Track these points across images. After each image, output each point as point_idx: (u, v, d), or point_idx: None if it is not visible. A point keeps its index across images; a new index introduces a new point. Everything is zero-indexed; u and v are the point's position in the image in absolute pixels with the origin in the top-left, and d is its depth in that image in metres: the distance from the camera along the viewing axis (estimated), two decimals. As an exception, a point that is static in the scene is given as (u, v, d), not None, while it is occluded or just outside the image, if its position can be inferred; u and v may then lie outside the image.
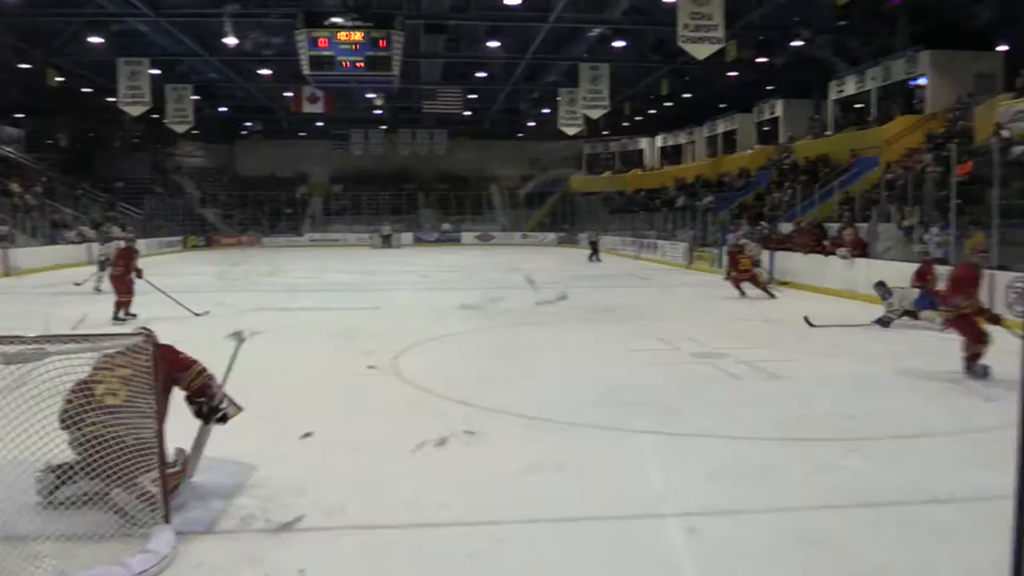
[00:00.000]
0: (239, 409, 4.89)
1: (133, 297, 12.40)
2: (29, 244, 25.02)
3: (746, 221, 23.29)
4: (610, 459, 5.41)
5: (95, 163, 42.60)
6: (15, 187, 30.23)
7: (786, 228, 21.14)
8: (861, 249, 15.76)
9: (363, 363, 8.79)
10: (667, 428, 6.12)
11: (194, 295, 13.97)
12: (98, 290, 16.19)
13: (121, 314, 12.20)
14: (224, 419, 4.80)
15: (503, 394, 7.30)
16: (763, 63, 27.29)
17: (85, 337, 4.07)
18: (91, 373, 4.29)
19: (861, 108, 27.30)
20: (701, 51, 20.05)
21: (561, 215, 43.68)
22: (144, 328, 4.58)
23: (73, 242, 26.94)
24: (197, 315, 12.24)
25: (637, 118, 41.56)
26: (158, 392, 4.19)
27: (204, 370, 4.74)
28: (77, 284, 16.86)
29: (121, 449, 4.03)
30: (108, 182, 40.71)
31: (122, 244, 13.39)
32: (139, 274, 12.54)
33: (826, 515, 4.42)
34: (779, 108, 32.37)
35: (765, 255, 18.11)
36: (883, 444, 5.77)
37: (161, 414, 4.22)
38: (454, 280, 20.79)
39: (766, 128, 33.52)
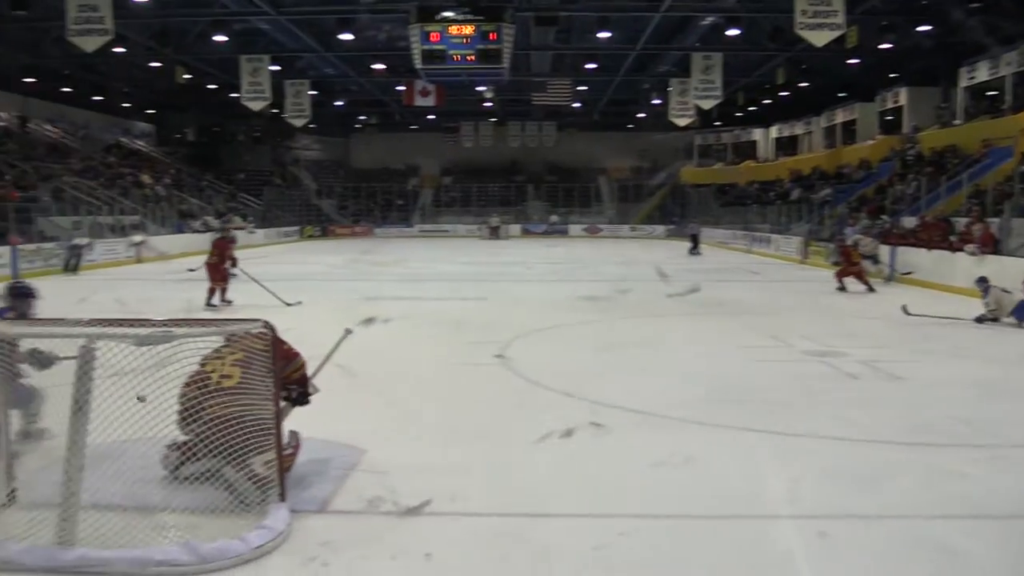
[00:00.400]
0: (316, 390, 5.04)
1: (227, 285, 13.01)
2: (159, 233, 26.40)
3: (866, 214, 22.34)
4: (721, 457, 5.30)
5: (219, 156, 44.66)
6: (146, 178, 32.04)
7: (909, 222, 20.16)
8: (992, 245, 14.88)
9: (470, 353, 8.92)
10: (780, 428, 5.95)
11: (320, 283, 14.43)
12: (233, 274, 17.30)
13: (214, 300, 12.85)
14: (306, 402, 4.94)
15: (611, 388, 7.25)
16: (887, 49, 26.01)
17: (210, 321, 4.27)
18: (201, 366, 4.49)
19: (994, 96, 25.72)
20: (820, 38, 19.30)
21: (671, 207, 43.02)
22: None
23: (198, 231, 28.30)
24: (288, 305, 12.57)
25: (751, 108, 40.38)
26: (276, 376, 4.36)
27: (305, 363, 4.91)
28: (191, 270, 17.77)
29: (240, 427, 4.21)
30: (231, 174, 42.61)
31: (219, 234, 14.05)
32: (234, 263, 13.17)
33: (946, 525, 4.22)
34: (903, 96, 30.83)
35: (885, 250, 17.36)
36: (1008, 453, 5.44)
37: (277, 397, 4.38)
38: (562, 272, 20.79)
39: (889, 117, 32.01)
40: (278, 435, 4.31)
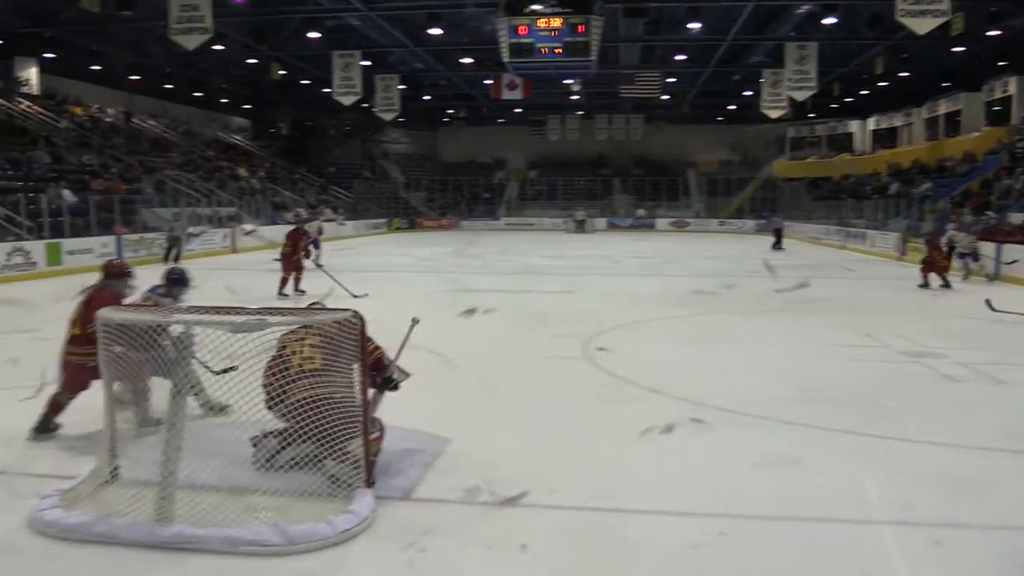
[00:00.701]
0: (407, 375, 5.05)
1: (300, 275, 13.52)
2: (253, 224, 27.24)
3: (969, 210, 21.38)
4: (820, 459, 5.14)
5: (311, 150, 45.80)
6: (242, 172, 33.10)
7: (1017, 218, 19.20)
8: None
9: (555, 346, 8.90)
10: (877, 431, 5.73)
11: (405, 275, 14.63)
12: (318, 265, 17.76)
13: (286, 290, 13.33)
14: (396, 387, 4.97)
15: (698, 384, 7.13)
16: (994, 36, 24.76)
17: (302, 310, 4.39)
18: (279, 352, 4.62)
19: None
20: (923, 25, 18.53)
21: (761, 202, 42.03)
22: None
23: (290, 223, 29.07)
24: (355, 297, 12.64)
25: (847, 99, 39.02)
26: (365, 364, 4.44)
27: (379, 347, 4.93)
28: (277, 260, 18.42)
29: (329, 409, 4.32)
30: (322, 167, 43.67)
31: (293, 226, 14.55)
32: (307, 254, 13.80)
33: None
34: (1012, 85, 29.34)
35: (989, 247, 16.56)
36: None
37: (366, 384, 4.45)
38: (649, 266, 20.57)
39: (996, 108, 30.52)
40: (366, 420, 4.39)
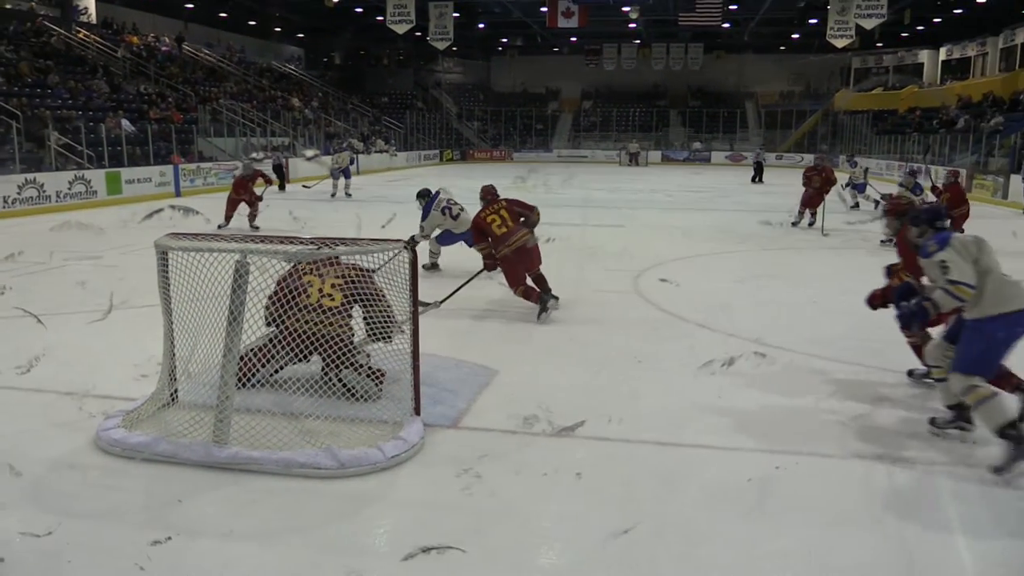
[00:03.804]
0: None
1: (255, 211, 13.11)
2: (313, 150, 27.36)
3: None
4: (866, 400, 5.05)
5: (364, 79, 45.57)
6: (295, 102, 33.14)
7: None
8: None
9: (606, 280, 8.86)
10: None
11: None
12: (348, 195, 19.40)
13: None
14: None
15: (748, 321, 7.05)
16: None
17: (355, 240, 4.42)
18: (293, 274, 4.74)
19: None
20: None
21: (822, 135, 40.79)
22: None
23: (342, 151, 29.20)
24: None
25: (918, 27, 37.25)
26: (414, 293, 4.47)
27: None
28: (306, 187, 20.37)
29: (343, 342, 4.62)
30: (375, 97, 43.49)
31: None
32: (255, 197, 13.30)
33: None
34: (1097, 13, 27.79)
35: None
36: None
37: (415, 314, 4.48)
38: (703, 201, 20.23)
39: (1080, 38, 28.96)
40: (415, 349, 4.43)
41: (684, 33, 39.27)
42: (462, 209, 9.32)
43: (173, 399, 4.61)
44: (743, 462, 4.12)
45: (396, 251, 4.41)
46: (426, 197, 9.60)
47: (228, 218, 12.57)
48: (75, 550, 3.21)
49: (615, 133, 44.12)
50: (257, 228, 12.28)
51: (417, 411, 4.43)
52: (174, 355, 4.53)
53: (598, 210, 17.28)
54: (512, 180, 22.24)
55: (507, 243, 7.07)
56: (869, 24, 26.48)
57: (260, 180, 13.48)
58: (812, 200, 13.84)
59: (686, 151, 41.88)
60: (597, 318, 7.24)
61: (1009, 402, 4.11)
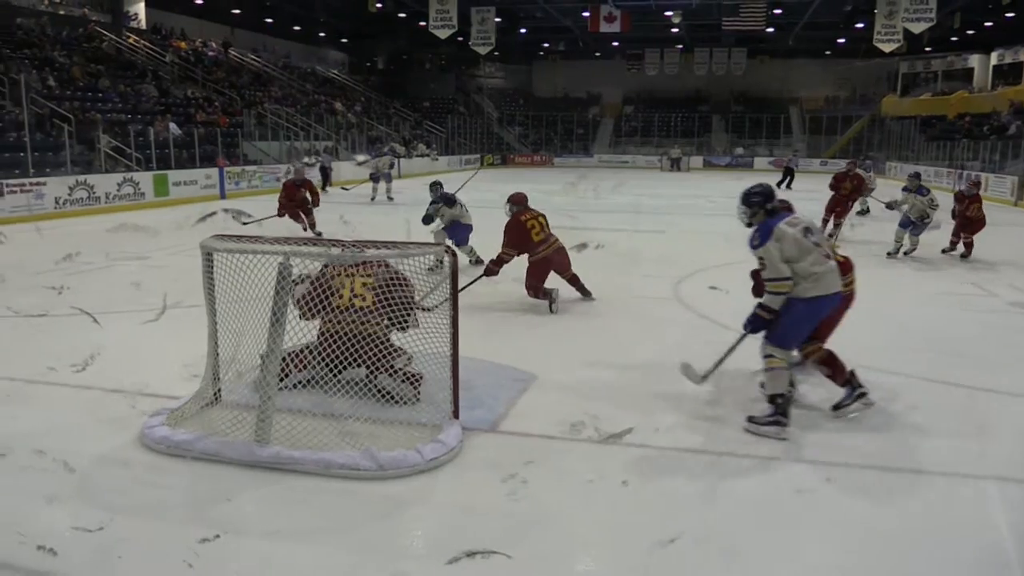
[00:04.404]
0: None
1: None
2: (348, 158, 27.66)
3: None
4: (916, 410, 4.96)
5: (406, 84, 45.93)
6: (338, 106, 33.51)
7: None
8: None
9: (645, 286, 8.82)
10: (985, 383, 5.49)
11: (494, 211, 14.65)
12: (389, 198, 19.60)
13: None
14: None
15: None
16: None
17: (396, 243, 4.45)
18: (324, 274, 4.82)
19: None
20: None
21: (867, 141, 40.11)
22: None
23: (383, 155, 29.44)
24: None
25: (968, 31, 36.51)
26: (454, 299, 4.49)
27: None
28: (345, 190, 20.90)
29: (375, 341, 4.64)
30: (416, 102, 43.79)
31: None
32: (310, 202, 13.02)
33: None
34: None
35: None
36: None
37: (455, 319, 4.49)
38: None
39: None
40: (455, 355, 4.44)
41: (728, 37, 38.97)
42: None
43: (216, 398, 4.68)
44: (792, 473, 4.06)
45: (442, 280, 4.59)
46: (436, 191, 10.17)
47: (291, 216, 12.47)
48: (125, 546, 3.26)
49: (656, 138, 43.91)
50: (320, 234, 12.09)
51: (456, 414, 4.44)
52: (218, 355, 4.60)
53: (638, 215, 17.19)
54: (562, 186, 22.24)
55: (547, 243, 7.43)
56: (917, 28, 26.03)
57: (306, 190, 12.77)
58: (837, 206, 13.11)
59: (728, 156, 41.50)
60: (636, 324, 7.21)
61: (790, 379, 4.63)
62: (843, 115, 43.26)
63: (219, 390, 4.68)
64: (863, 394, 4.74)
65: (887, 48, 28.79)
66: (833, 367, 4.83)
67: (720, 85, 45.27)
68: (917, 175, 11.81)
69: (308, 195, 12.71)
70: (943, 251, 11.32)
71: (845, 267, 5.10)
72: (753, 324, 4.71)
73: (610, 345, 6.43)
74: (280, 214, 12.59)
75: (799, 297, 4.49)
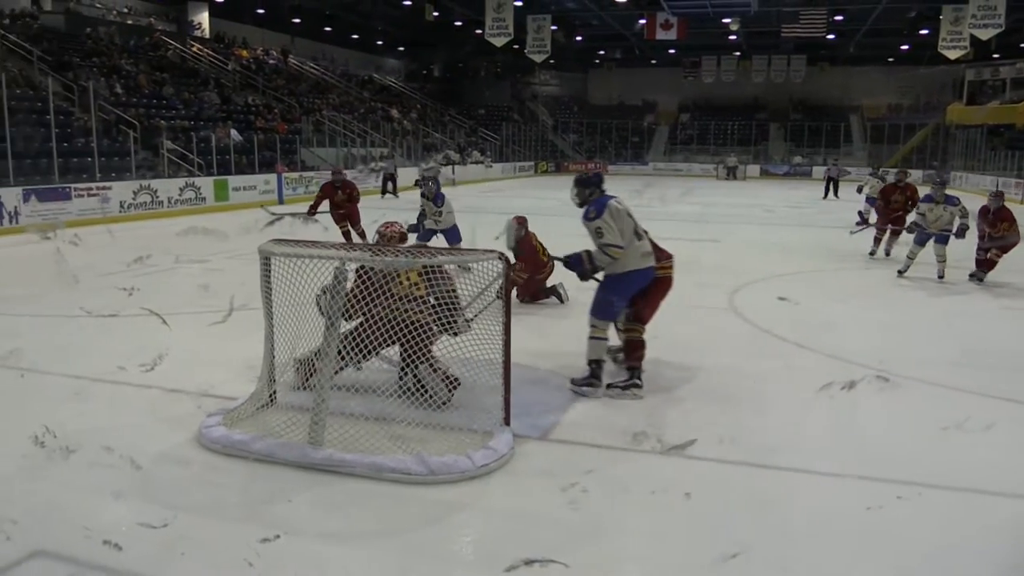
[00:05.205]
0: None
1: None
2: (404, 164, 27.96)
3: None
4: (972, 427, 4.75)
5: (462, 91, 46.27)
6: (395, 113, 33.89)
7: None
8: None
9: (699, 296, 8.70)
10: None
11: (552, 218, 14.65)
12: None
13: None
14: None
15: (849, 341, 6.83)
16: None
17: (450, 250, 4.49)
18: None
19: None
20: None
21: (931, 150, 39.12)
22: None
23: (440, 164, 29.69)
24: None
25: (1039, 38, 35.50)
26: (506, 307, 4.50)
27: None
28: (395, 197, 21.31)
29: (426, 331, 4.72)
30: (472, 109, 44.07)
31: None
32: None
33: None
34: None
35: None
36: None
37: (507, 325, 4.50)
38: (803, 216, 19.71)
39: None
40: (507, 362, 4.45)
41: (786, 44, 38.41)
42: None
43: (272, 400, 4.76)
44: (861, 490, 3.94)
45: (487, 286, 4.66)
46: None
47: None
48: (187, 543, 3.32)
49: (712, 146, 43.45)
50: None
51: (507, 421, 4.45)
52: (274, 357, 4.68)
53: (692, 224, 17.02)
54: (628, 193, 22.16)
55: (549, 264, 8.00)
56: (985, 35, 25.34)
57: (344, 193, 11.81)
58: (890, 221, 11.96)
59: (786, 165, 40.87)
60: (691, 334, 7.11)
61: (605, 346, 5.34)
62: (906, 123, 42.26)
63: (274, 392, 4.76)
64: (637, 386, 5.20)
65: (953, 55, 28.10)
66: (634, 353, 5.32)
67: (778, 92, 44.62)
68: (943, 183, 11.13)
69: (347, 198, 11.74)
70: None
71: (663, 254, 5.55)
72: (571, 260, 5.26)
73: (664, 355, 6.35)
74: (310, 213, 11.56)
75: (613, 273, 5.15)
